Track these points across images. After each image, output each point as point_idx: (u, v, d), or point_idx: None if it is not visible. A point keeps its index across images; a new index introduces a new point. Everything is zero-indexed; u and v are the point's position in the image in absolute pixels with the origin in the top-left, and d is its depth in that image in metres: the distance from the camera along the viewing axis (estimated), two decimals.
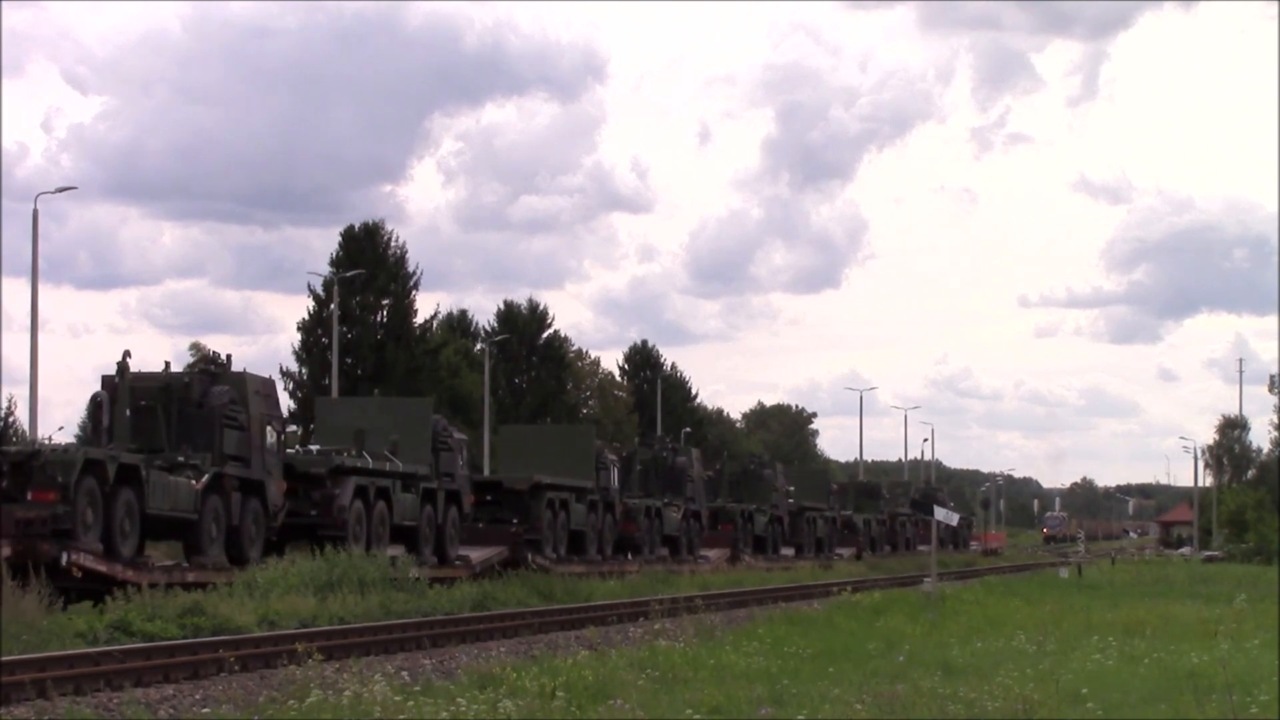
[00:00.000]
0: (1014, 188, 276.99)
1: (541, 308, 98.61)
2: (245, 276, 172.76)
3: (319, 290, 76.30)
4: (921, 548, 79.06)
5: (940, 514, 40.20)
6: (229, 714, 15.32)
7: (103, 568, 25.10)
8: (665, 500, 49.07)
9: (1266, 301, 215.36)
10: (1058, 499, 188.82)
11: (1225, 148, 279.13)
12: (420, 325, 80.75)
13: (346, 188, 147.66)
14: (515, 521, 39.03)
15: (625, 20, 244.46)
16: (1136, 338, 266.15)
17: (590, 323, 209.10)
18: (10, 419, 66.96)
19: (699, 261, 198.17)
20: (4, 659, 16.61)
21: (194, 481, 27.43)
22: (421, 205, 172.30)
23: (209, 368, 30.42)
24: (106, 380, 27.95)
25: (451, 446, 36.74)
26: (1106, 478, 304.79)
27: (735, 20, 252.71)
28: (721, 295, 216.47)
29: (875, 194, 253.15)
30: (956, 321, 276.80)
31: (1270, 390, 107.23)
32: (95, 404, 27.95)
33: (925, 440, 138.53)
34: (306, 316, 77.70)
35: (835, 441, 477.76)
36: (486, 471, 59.75)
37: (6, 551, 23.68)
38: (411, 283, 79.67)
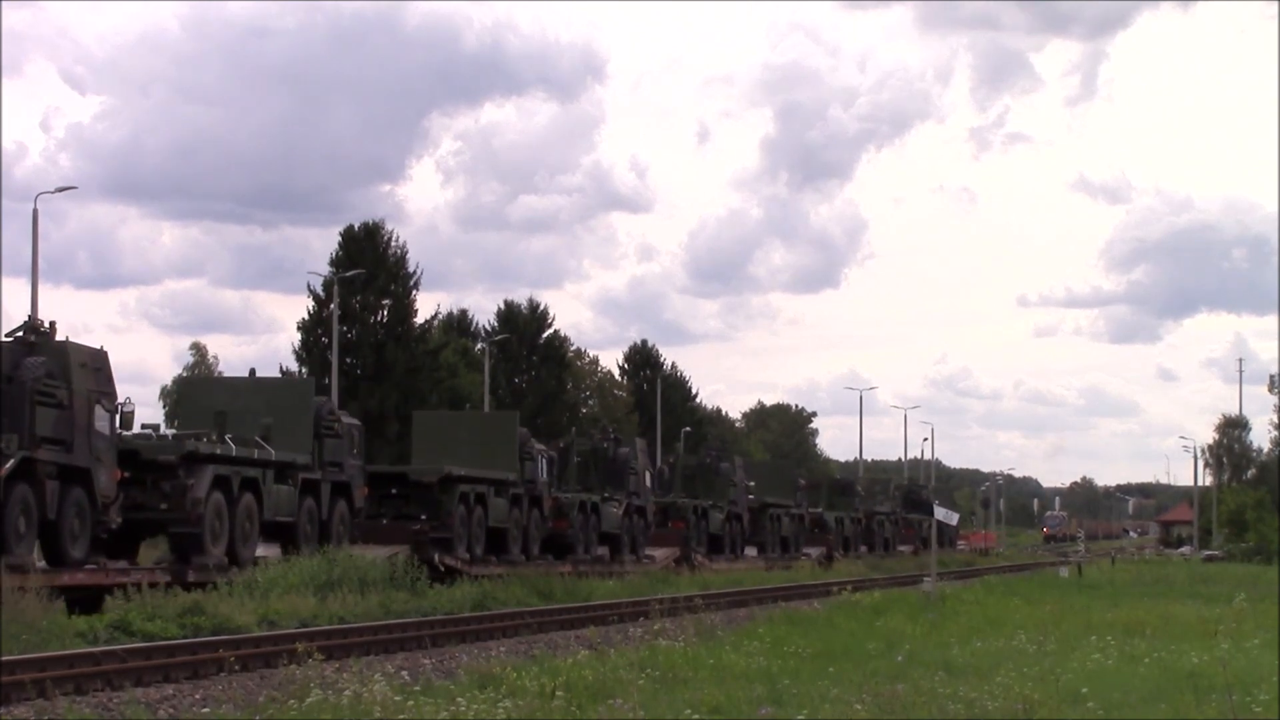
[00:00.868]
0: (1013, 188, 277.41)
1: (541, 307, 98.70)
2: (244, 276, 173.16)
3: (319, 290, 76.34)
4: (902, 548, 76.87)
5: (940, 514, 40.12)
6: (229, 714, 15.32)
7: None
8: (605, 495, 44.79)
9: (1266, 301, 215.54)
10: (1057, 499, 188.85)
11: (1224, 147, 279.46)
12: (420, 325, 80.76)
13: (345, 187, 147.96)
14: (423, 518, 35.30)
15: (624, 20, 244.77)
16: (1136, 337, 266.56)
17: (590, 322, 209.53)
18: None
19: (698, 261, 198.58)
20: (4, 659, 16.60)
21: None
22: (420, 205, 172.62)
23: (24, 335, 25.87)
24: None
25: (339, 433, 32.89)
26: (1106, 477, 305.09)
27: (734, 20, 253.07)
28: (721, 295, 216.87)
29: (874, 194, 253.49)
30: (956, 321, 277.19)
31: (1270, 390, 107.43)
32: None
33: (925, 440, 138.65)
34: (306, 316, 77.71)
35: (835, 441, 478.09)
36: None
37: None
38: (411, 282, 79.68)
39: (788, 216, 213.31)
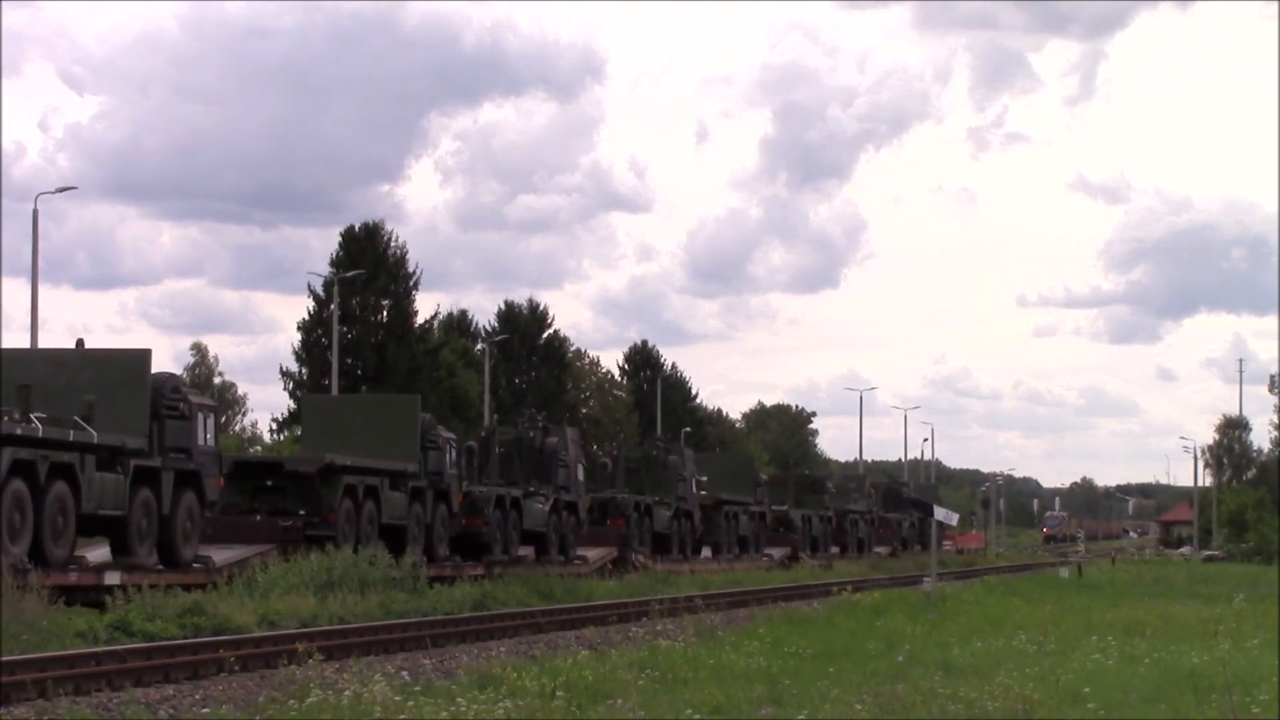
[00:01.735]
0: (1012, 188, 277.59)
1: (541, 308, 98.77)
2: (244, 276, 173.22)
3: (319, 290, 76.40)
4: (879, 549, 72.80)
5: (940, 514, 40.05)
6: (229, 714, 15.32)
7: None
8: (530, 489, 40.62)
9: (1265, 301, 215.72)
10: (1057, 499, 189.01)
11: (1224, 147, 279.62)
12: (420, 325, 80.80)
13: (344, 187, 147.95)
14: (302, 513, 31.52)
15: (623, 20, 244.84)
16: (1135, 337, 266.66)
17: (589, 322, 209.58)
18: None
19: (697, 261, 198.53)
20: (4, 659, 16.60)
21: None
22: (419, 205, 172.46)
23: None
24: None
25: (186, 414, 28.69)
26: (1106, 477, 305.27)
27: (733, 20, 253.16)
28: (720, 295, 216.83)
29: (873, 194, 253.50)
30: (955, 321, 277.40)
31: (1270, 390, 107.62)
32: None
33: (925, 440, 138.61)
34: (307, 316, 77.80)
35: (835, 441, 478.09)
36: None
37: None
38: (411, 283, 79.73)
39: (787, 216, 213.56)
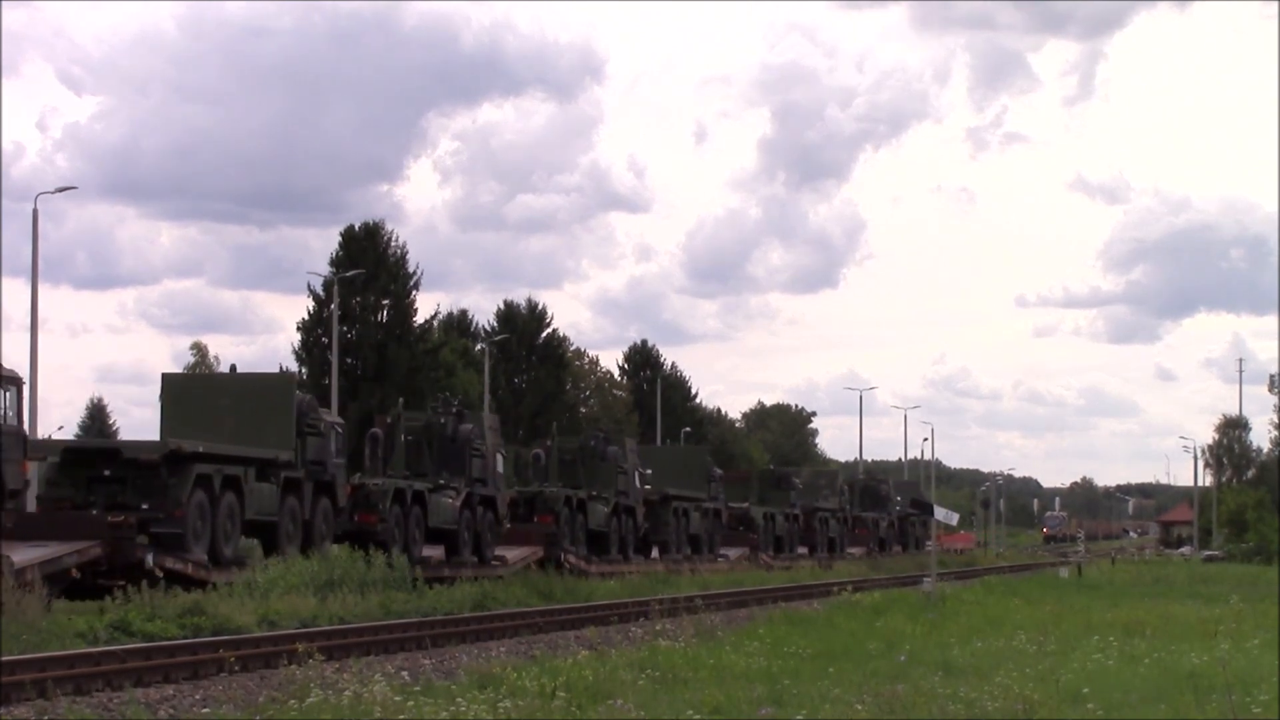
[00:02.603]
0: (1011, 188, 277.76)
1: (540, 307, 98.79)
2: (243, 276, 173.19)
3: (319, 290, 76.40)
4: (851, 550, 68.93)
5: (940, 514, 40.01)
6: (229, 714, 15.32)
7: None
8: (439, 482, 36.75)
9: (1264, 301, 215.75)
10: (1057, 499, 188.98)
11: (1222, 147, 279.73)
12: (420, 325, 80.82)
13: (343, 187, 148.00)
14: (145, 507, 27.81)
15: (622, 21, 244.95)
16: (1135, 337, 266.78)
17: (589, 322, 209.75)
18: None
19: (696, 261, 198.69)
20: (4, 659, 16.61)
21: None
22: (418, 205, 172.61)
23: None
24: None
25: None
26: (1106, 477, 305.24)
27: (731, 21, 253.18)
28: (719, 295, 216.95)
29: (872, 194, 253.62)
30: (954, 321, 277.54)
31: (1270, 390, 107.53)
32: None
33: (925, 440, 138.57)
34: (306, 316, 77.81)
35: (835, 441, 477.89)
36: None
37: None
38: (412, 282, 79.75)
39: (786, 216, 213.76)
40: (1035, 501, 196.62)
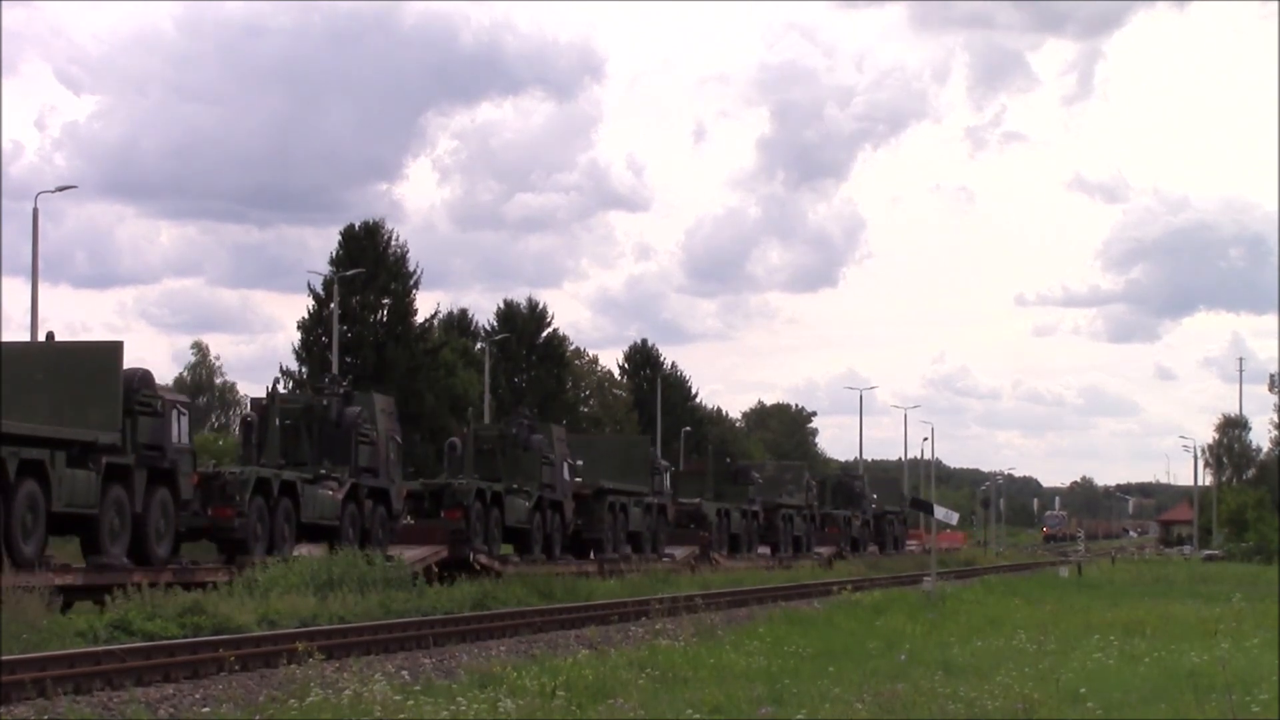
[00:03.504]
0: (1010, 187, 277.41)
1: (541, 307, 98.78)
2: (242, 275, 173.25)
3: (319, 289, 76.39)
4: (819, 550, 64.60)
5: (940, 514, 40.01)
6: (229, 713, 15.32)
7: None
8: (319, 472, 32.98)
9: (1264, 300, 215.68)
10: (1057, 498, 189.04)
11: (1222, 147, 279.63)
12: (420, 324, 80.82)
13: (342, 186, 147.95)
14: None
15: (621, 20, 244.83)
16: (1134, 337, 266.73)
17: (588, 321, 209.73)
18: None
19: (695, 260, 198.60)
20: (4, 658, 16.60)
21: None
22: (417, 204, 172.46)
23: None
24: None
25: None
26: (1106, 477, 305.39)
27: (730, 20, 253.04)
28: (718, 294, 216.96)
29: (871, 193, 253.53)
30: (954, 321, 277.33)
31: (1270, 389, 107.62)
32: None
33: (925, 440, 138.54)
34: (306, 315, 77.76)
35: (835, 441, 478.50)
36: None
37: None
38: (412, 282, 79.74)
39: (785, 216, 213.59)
40: (1035, 501, 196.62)
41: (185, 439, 28.89)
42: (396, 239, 79.83)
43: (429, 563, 35.55)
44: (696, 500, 55.19)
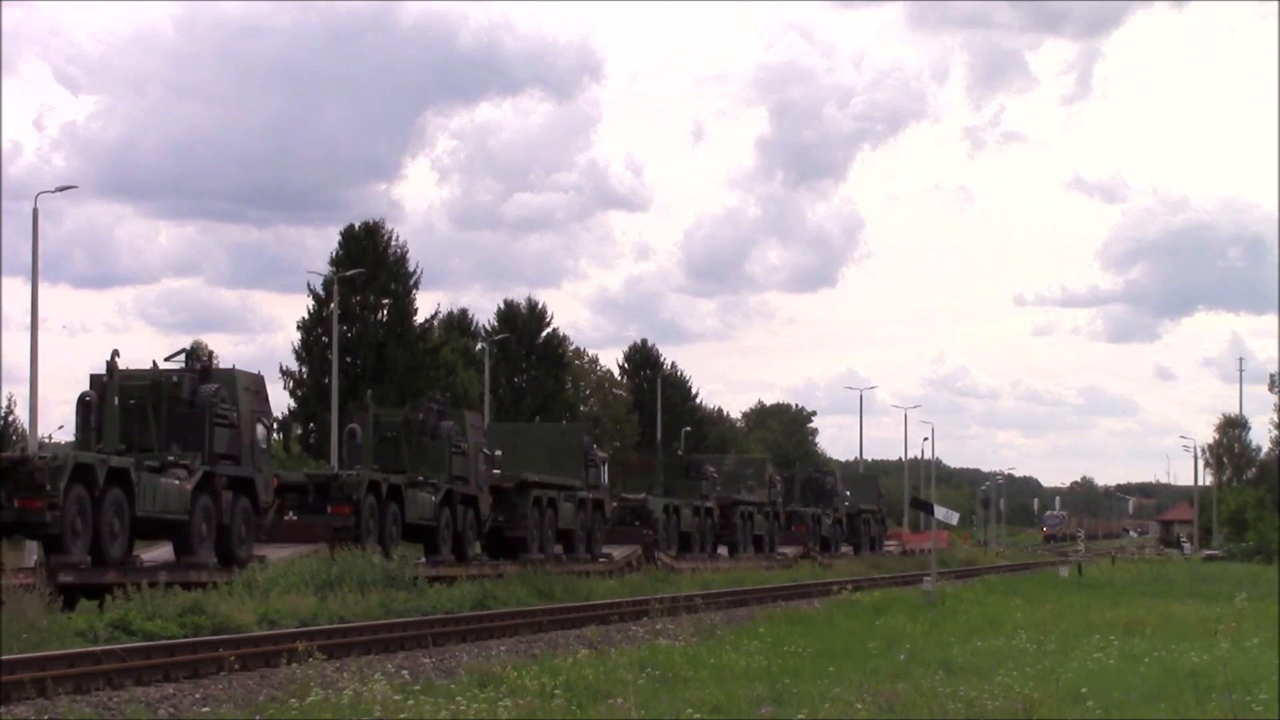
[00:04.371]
0: (1009, 187, 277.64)
1: (540, 306, 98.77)
2: (241, 275, 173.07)
3: (319, 289, 76.40)
4: (784, 550, 60.66)
5: (940, 513, 39.99)
6: (229, 713, 15.32)
7: None
8: (165, 459, 28.44)
9: (1263, 300, 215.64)
10: (1057, 498, 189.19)
11: (1220, 146, 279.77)
12: (420, 324, 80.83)
13: (341, 186, 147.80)
14: None
15: (620, 20, 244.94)
16: (1134, 337, 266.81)
17: (588, 321, 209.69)
18: (10, 418, 67.09)
19: (694, 260, 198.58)
20: (4, 658, 16.61)
21: None
22: (416, 204, 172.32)
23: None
24: None
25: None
26: (1106, 477, 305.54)
27: (728, 20, 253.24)
28: (718, 294, 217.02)
29: (870, 193, 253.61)
30: (953, 320, 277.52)
31: (1270, 389, 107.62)
32: None
33: (925, 440, 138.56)
34: (306, 315, 77.78)
35: (835, 440, 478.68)
36: None
37: None
38: (412, 281, 79.75)
39: (784, 215, 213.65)
40: (1035, 501, 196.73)
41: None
42: (396, 239, 79.93)
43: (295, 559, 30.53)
44: (641, 495, 51.69)
